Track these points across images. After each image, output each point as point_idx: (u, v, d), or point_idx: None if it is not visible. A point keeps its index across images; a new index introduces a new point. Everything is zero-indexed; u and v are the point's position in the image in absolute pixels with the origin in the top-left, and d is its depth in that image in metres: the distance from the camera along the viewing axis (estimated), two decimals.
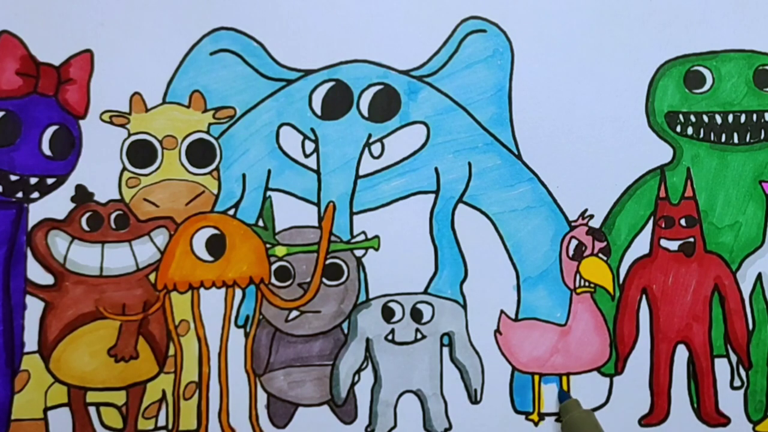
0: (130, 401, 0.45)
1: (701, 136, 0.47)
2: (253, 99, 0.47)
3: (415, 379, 0.46)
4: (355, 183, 0.47)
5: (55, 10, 0.46)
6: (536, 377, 0.46)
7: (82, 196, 0.45)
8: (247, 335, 0.46)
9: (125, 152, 0.46)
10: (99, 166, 0.46)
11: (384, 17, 0.47)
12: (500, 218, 0.47)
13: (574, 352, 0.46)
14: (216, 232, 0.46)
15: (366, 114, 0.47)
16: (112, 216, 0.45)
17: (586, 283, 0.47)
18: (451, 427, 0.46)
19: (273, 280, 0.46)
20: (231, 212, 0.46)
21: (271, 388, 0.46)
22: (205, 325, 0.46)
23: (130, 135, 0.46)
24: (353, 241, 0.47)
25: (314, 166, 0.47)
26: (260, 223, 0.46)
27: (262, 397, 0.46)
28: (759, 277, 0.47)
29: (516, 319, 0.46)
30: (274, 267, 0.46)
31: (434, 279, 0.46)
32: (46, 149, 0.45)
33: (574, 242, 0.47)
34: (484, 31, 0.48)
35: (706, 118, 0.47)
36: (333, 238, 0.46)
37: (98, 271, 0.45)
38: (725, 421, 0.47)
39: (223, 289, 0.46)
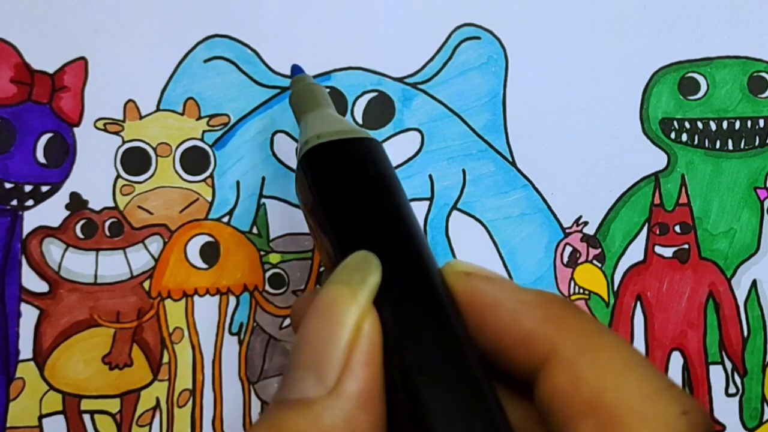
0: (124, 409, 0.45)
1: (695, 142, 0.47)
2: (247, 106, 0.46)
3: None
4: None
5: (49, 18, 0.45)
6: None
7: (76, 203, 0.45)
8: (241, 342, 0.45)
9: (119, 159, 0.45)
10: (93, 173, 0.45)
11: (378, 24, 0.47)
12: (495, 225, 0.46)
13: None
14: (210, 239, 0.45)
15: (360, 121, 0.47)
16: (107, 223, 0.45)
17: (581, 290, 0.46)
18: None
19: (267, 288, 0.45)
20: (225, 220, 0.46)
21: (265, 396, 0.45)
22: (199, 332, 0.45)
23: (124, 142, 0.45)
24: None
25: None
26: (254, 230, 0.46)
27: (256, 405, 0.45)
28: (754, 283, 0.47)
29: None
30: (268, 274, 0.46)
31: None
32: (40, 157, 0.45)
33: (568, 249, 0.46)
34: (478, 38, 0.47)
35: (700, 125, 0.47)
36: None
37: (92, 279, 0.45)
38: (720, 428, 0.46)
39: (217, 297, 0.45)
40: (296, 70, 0.42)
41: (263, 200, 0.46)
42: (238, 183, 0.46)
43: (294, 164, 0.45)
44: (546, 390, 0.28)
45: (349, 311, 0.29)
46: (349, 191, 0.33)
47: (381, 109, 0.46)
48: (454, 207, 0.46)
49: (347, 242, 0.32)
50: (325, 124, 0.36)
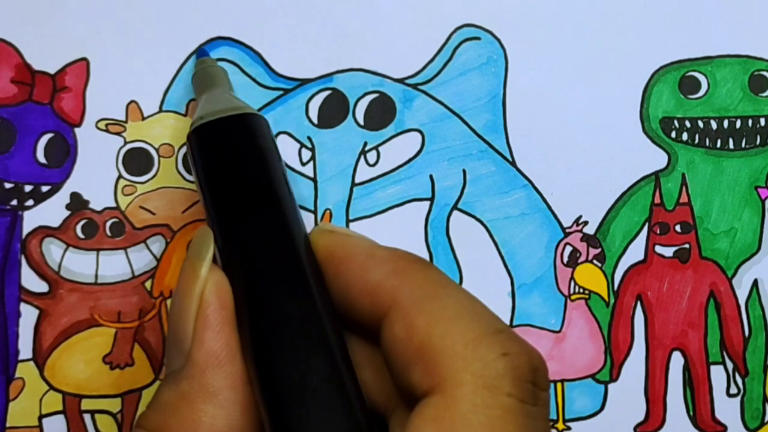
0: (126, 408, 0.43)
1: (696, 141, 0.46)
2: None
3: None
4: (351, 191, 0.45)
5: (51, 19, 0.44)
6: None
7: (77, 203, 0.44)
8: None
9: (121, 160, 0.44)
10: (94, 173, 0.44)
11: (379, 26, 0.46)
12: (495, 225, 0.45)
13: (569, 359, 0.45)
14: None
15: (362, 122, 0.45)
16: (108, 223, 0.44)
17: (581, 290, 0.45)
18: None
19: None
20: None
21: None
22: None
23: (126, 143, 0.44)
24: None
25: (311, 174, 0.45)
26: None
27: None
28: (755, 283, 0.46)
29: (510, 326, 0.44)
30: None
31: None
32: (40, 157, 0.44)
33: (568, 249, 0.45)
34: (478, 38, 0.46)
35: (701, 124, 0.46)
36: None
37: (93, 279, 0.43)
38: (721, 429, 0.45)
39: None
40: (201, 53, 0.44)
41: None
42: None
43: (296, 165, 0.45)
44: (386, 338, 0.30)
45: (194, 284, 0.31)
46: (221, 164, 0.36)
47: (382, 110, 0.45)
48: (455, 207, 0.45)
49: (215, 212, 0.34)
50: (209, 105, 0.39)
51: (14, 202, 0.43)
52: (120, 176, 0.44)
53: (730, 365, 0.45)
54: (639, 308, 0.45)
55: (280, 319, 0.30)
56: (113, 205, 0.44)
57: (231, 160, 0.36)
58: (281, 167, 0.37)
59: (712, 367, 0.45)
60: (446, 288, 0.30)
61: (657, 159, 0.46)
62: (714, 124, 0.46)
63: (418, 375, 0.28)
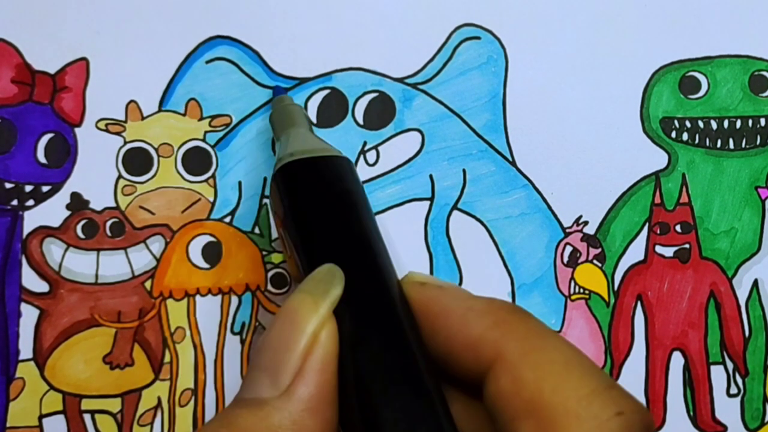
0: (126, 408, 0.43)
1: (696, 141, 0.46)
2: (249, 107, 0.45)
3: None
4: None
5: (51, 19, 0.44)
6: None
7: (77, 203, 0.43)
8: (243, 342, 0.44)
9: (121, 160, 0.44)
10: (94, 173, 0.44)
11: (379, 25, 0.45)
12: (495, 225, 0.45)
13: None
14: (212, 239, 0.44)
15: (361, 122, 0.45)
16: (108, 223, 0.43)
17: (581, 290, 0.45)
18: None
19: (269, 287, 0.44)
20: (227, 220, 0.44)
21: None
22: (201, 332, 0.44)
23: (125, 143, 0.44)
24: None
25: None
26: (256, 230, 0.44)
27: None
28: (755, 283, 0.45)
29: None
30: (270, 274, 0.44)
31: None
32: (41, 157, 0.43)
33: (568, 249, 0.45)
34: (478, 38, 0.46)
35: (701, 124, 0.46)
36: None
37: (93, 279, 0.43)
38: (722, 429, 0.45)
39: (219, 297, 0.44)
40: (278, 91, 0.44)
41: (265, 200, 0.44)
42: (240, 183, 0.44)
43: None
44: (492, 392, 0.29)
45: (309, 320, 0.30)
46: (316, 206, 0.35)
47: (382, 110, 0.45)
48: (455, 207, 0.45)
49: (312, 254, 0.33)
50: (298, 143, 0.38)
51: (15, 202, 0.43)
52: (120, 176, 0.44)
53: (730, 365, 0.45)
54: (639, 308, 0.45)
55: (382, 371, 0.30)
56: (113, 205, 0.43)
57: (322, 202, 0.35)
58: (371, 213, 0.36)
59: (712, 367, 0.45)
60: (551, 339, 0.30)
61: (657, 159, 0.46)
62: (714, 124, 0.46)
63: (528, 430, 0.27)
